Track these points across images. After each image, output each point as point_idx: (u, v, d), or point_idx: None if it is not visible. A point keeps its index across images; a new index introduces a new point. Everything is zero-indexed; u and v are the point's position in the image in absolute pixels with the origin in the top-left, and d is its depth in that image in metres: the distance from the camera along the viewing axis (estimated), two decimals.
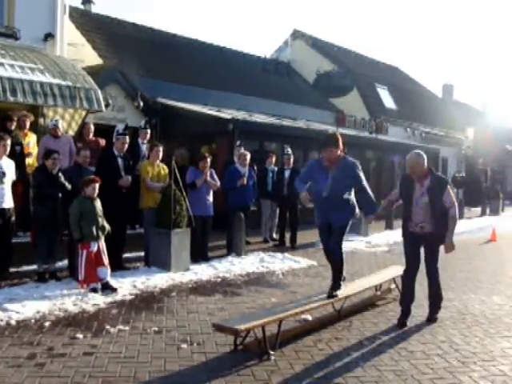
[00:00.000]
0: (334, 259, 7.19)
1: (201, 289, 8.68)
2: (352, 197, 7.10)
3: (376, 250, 13.47)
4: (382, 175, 23.03)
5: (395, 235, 15.21)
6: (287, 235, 13.51)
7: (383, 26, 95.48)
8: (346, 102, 26.98)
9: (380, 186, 22.53)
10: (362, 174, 7.08)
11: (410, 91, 33.54)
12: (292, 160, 13.65)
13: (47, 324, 6.59)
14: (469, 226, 19.95)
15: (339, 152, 6.94)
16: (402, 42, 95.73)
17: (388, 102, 29.95)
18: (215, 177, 11.02)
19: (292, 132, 17.67)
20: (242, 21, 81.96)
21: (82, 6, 21.49)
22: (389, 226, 17.48)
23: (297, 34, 30.04)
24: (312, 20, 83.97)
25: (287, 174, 13.37)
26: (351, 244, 13.94)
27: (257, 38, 78.96)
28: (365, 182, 7.11)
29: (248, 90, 21.23)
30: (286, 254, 11.77)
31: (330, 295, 6.95)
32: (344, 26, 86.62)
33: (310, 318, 7.04)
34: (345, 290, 7.29)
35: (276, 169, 13.90)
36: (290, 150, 13.78)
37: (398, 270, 8.48)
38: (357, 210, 7.24)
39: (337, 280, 7.15)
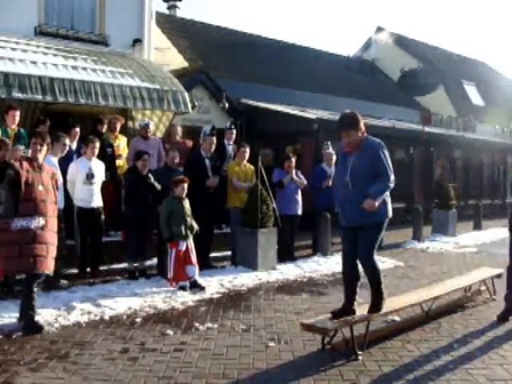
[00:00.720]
0: (367, 274, 6.01)
1: (287, 288, 8.70)
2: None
3: (464, 250, 13.10)
4: (469, 174, 22.41)
5: (484, 236, 14.86)
6: None
7: (468, 20, 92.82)
8: (432, 100, 26.42)
9: (467, 185, 21.97)
10: (387, 159, 5.87)
11: (499, 87, 32.45)
12: None
13: (138, 320, 6.79)
14: None
15: (360, 134, 5.89)
16: (489, 36, 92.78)
17: (475, 98, 29.12)
18: (301, 176, 11.06)
19: (377, 131, 17.17)
20: (325, 20, 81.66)
21: (167, 11, 22.00)
22: (477, 227, 16.99)
23: (380, 32, 29.61)
24: (395, 17, 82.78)
25: None
26: (438, 244, 13.71)
27: (340, 37, 78.40)
28: (389, 168, 5.82)
29: (332, 90, 21.13)
30: None
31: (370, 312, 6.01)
32: (428, 22, 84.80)
33: (397, 318, 6.93)
34: (434, 291, 7.15)
35: None
36: None
37: (488, 271, 8.26)
38: (389, 208, 6.00)
39: (376, 300, 6.02)
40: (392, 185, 5.81)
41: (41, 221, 6.25)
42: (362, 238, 5.86)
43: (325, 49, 31.11)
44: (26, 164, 6.29)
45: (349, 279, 6.08)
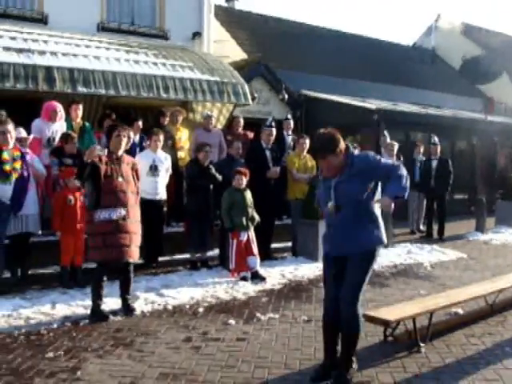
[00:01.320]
0: (343, 323, 4.68)
1: None
2: (376, 210, 4.85)
3: None
4: None
5: None
6: (435, 227, 13.18)
7: None
8: (495, 88, 25.70)
9: None
10: (380, 160, 4.94)
11: None
12: (439, 149, 13.30)
13: (201, 310, 6.88)
14: None
15: (341, 157, 4.74)
16: None
17: None
18: None
19: (438, 121, 17.11)
20: (385, 9, 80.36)
21: (225, 4, 22.09)
22: None
23: (441, 19, 28.95)
24: (456, 3, 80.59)
25: (434, 164, 13.07)
26: (502, 236, 13.39)
27: (400, 25, 77.14)
28: (389, 164, 4.99)
29: (391, 79, 20.85)
30: (434, 246, 11.51)
31: (338, 379, 4.67)
32: (489, 7, 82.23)
33: (461, 311, 6.81)
34: (498, 283, 6.99)
35: (423, 159, 13.56)
36: (436, 140, 13.40)
37: None
38: (382, 233, 4.85)
39: (345, 357, 4.75)
40: (405, 172, 4.84)
41: (122, 211, 6.42)
42: (347, 272, 4.74)
43: (384, 38, 30.73)
44: (104, 157, 6.42)
45: (330, 327, 4.84)
